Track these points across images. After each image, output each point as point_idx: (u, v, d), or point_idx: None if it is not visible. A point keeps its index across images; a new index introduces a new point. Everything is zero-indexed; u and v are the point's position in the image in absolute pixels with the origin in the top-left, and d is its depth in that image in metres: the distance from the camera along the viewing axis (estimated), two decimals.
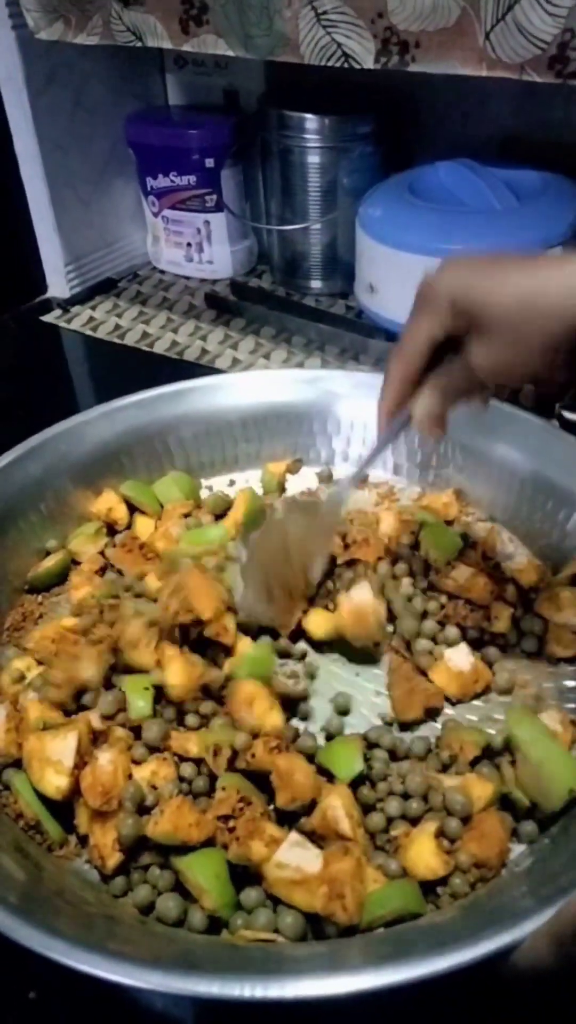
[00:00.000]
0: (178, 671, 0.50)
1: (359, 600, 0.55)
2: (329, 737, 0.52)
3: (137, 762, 0.48)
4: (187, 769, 0.48)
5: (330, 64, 0.68)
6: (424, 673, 0.54)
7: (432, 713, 0.53)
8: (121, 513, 0.67)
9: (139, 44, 0.77)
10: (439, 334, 0.42)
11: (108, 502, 0.67)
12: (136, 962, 0.36)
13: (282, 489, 0.71)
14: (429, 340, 0.43)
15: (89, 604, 0.57)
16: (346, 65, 0.67)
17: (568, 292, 0.37)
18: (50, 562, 0.63)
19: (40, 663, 0.54)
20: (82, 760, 0.46)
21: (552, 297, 0.37)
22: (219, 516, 0.66)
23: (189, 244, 1.07)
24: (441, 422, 0.46)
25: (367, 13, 0.64)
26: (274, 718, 0.49)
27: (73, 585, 0.61)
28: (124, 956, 0.36)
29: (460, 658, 0.53)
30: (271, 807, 0.46)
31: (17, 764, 0.48)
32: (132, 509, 0.68)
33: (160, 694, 0.51)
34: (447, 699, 0.54)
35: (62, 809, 0.46)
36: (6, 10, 0.84)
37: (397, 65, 0.65)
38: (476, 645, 0.56)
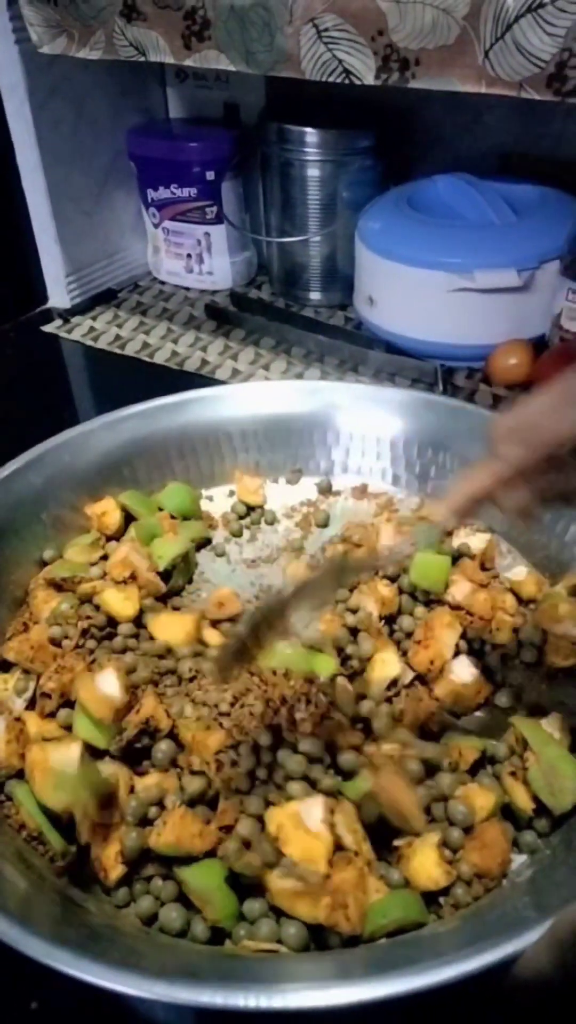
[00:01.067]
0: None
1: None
2: None
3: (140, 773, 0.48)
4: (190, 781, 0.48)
5: (331, 80, 0.69)
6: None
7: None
8: (114, 519, 0.66)
9: (142, 59, 0.78)
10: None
11: (103, 507, 0.66)
12: (139, 972, 0.36)
13: (250, 509, 0.71)
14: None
15: (67, 614, 0.56)
16: (347, 81, 0.68)
17: None
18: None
19: (27, 671, 0.54)
20: None
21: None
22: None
23: (189, 255, 1.08)
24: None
25: (368, 30, 0.65)
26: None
27: (40, 599, 0.59)
28: (127, 966, 0.36)
29: (462, 670, 0.54)
30: None
31: (20, 775, 0.48)
32: (130, 520, 0.67)
33: None
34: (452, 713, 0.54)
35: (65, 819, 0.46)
36: (10, 24, 0.85)
37: (397, 82, 0.66)
38: (477, 655, 0.56)
